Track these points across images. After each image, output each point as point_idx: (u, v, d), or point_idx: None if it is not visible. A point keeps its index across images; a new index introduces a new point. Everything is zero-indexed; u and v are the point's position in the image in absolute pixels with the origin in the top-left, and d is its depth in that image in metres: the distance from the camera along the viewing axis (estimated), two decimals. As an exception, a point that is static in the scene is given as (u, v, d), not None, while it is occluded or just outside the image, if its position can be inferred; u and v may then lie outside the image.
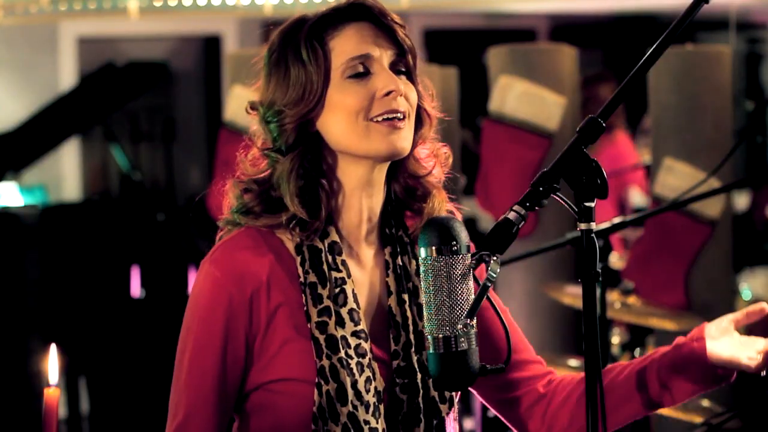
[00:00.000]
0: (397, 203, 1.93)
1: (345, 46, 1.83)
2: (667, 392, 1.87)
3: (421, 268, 1.76)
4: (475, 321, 1.74)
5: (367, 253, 1.90)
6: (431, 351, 1.74)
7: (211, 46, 8.70)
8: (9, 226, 5.79)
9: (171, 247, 6.20)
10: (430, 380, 1.86)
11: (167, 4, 5.55)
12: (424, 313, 1.76)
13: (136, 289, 5.95)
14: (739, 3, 6.20)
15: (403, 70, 1.86)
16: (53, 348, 1.74)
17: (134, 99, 7.74)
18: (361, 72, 1.82)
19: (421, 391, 1.85)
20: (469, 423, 4.47)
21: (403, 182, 1.91)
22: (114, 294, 5.97)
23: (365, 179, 1.86)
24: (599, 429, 1.70)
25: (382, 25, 1.84)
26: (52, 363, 1.73)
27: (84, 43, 7.87)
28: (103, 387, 6.08)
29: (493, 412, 2.02)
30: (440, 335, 1.73)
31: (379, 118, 1.81)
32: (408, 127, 1.84)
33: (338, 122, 1.83)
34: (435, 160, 1.92)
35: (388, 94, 1.81)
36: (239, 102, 4.88)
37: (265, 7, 5.43)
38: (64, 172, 7.82)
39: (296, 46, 1.84)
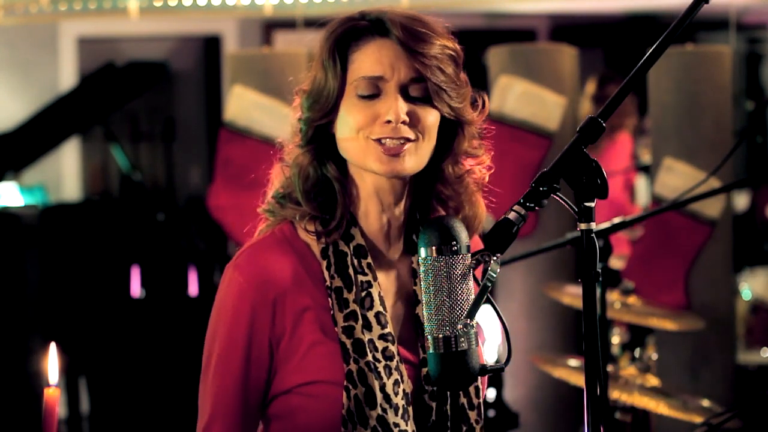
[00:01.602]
0: (427, 210, 1.92)
1: (362, 62, 1.83)
2: None
3: (421, 268, 1.76)
4: (475, 321, 1.74)
5: (392, 258, 1.90)
6: (431, 351, 1.74)
7: (211, 46, 8.70)
8: (9, 226, 5.79)
9: (171, 247, 6.20)
10: None
11: (167, 4, 5.54)
12: (424, 313, 1.76)
13: (136, 289, 5.95)
14: (739, 3, 6.20)
15: (418, 95, 1.83)
16: (53, 348, 1.74)
17: (134, 99, 7.74)
18: (372, 93, 1.82)
19: (449, 399, 1.85)
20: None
21: (436, 194, 1.91)
22: (114, 294, 5.96)
23: (379, 188, 1.86)
24: (599, 429, 1.70)
25: (404, 46, 1.82)
26: (52, 363, 1.73)
27: (84, 43, 7.86)
28: (103, 387, 6.08)
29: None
30: (440, 335, 1.73)
31: (378, 141, 1.81)
32: (414, 150, 1.82)
33: (342, 134, 1.85)
34: (470, 177, 1.91)
35: (388, 122, 1.81)
36: (239, 102, 4.86)
37: (265, 7, 5.42)
38: (64, 172, 7.81)
39: (324, 50, 1.85)
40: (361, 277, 1.84)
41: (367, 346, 1.80)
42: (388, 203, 1.87)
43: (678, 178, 4.44)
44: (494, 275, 1.70)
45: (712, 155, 4.39)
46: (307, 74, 1.90)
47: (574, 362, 3.65)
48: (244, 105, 4.61)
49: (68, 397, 6.07)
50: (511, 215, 1.71)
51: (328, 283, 1.83)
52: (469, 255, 1.75)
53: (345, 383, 1.78)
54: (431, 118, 1.84)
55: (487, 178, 1.93)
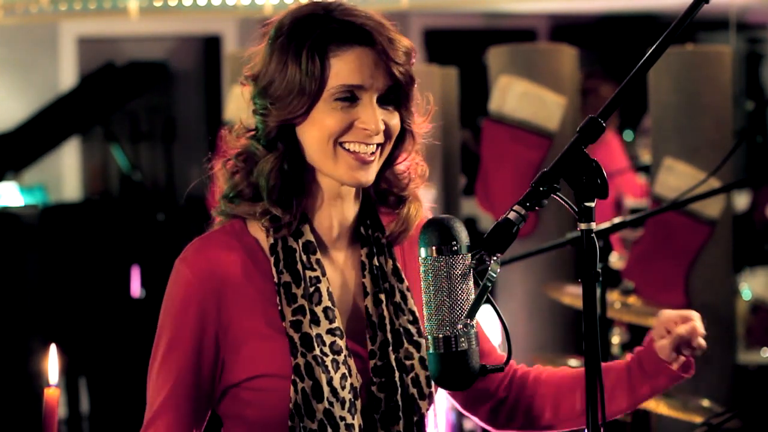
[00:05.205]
0: (373, 204, 1.96)
1: (342, 69, 1.82)
2: (632, 392, 1.95)
3: (422, 268, 1.76)
4: (475, 321, 1.74)
5: (341, 253, 1.93)
6: (431, 351, 1.74)
7: (211, 46, 8.70)
8: (9, 226, 5.79)
9: (171, 247, 6.19)
10: (408, 378, 1.88)
11: (167, 4, 5.55)
12: (424, 312, 1.76)
13: (136, 289, 5.96)
14: (739, 3, 6.21)
15: (392, 98, 1.86)
16: (53, 348, 1.75)
17: (134, 99, 7.74)
18: (349, 98, 1.83)
19: (399, 389, 1.87)
20: (469, 423, 4.47)
21: (378, 191, 1.95)
22: (114, 294, 5.97)
23: (335, 192, 1.89)
24: (599, 429, 1.70)
25: (384, 55, 1.83)
26: (52, 363, 1.73)
27: (84, 43, 7.87)
28: (103, 387, 6.08)
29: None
30: (440, 335, 1.73)
31: (350, 146, 1.83)
32: (377, 160, 1.86)
33: (313, 138, 1.85)
34: (411, 175, 1.95)
35: (365, 129, 1.82)
36: (239, 102, 4.87)
37: (265, 7, 5.43)
38: (64, 172, 7.82)
39: (299, 48, 1.82)
40: (309, 273, 1.86)
41: (314, 340, 1.81)
42: (340, 205, 1.90)
43: (678, 178, 4.44)
44: (494, 275, 1.70)
45: (712, 155, 4.39)
46: (264, 64, 1.87)
47: (574, 362, 3.65)
48: (244, 105, 4.61)
49: (68, 397, 6.08)
50: (511, 215, 1.71)
51: (276, 278, 1.84)
52: (469, 255, 1.75)
53: (292, 377, 1.79)
54: (395, 121, 1.87)
55: (426, 174, 1.96)
